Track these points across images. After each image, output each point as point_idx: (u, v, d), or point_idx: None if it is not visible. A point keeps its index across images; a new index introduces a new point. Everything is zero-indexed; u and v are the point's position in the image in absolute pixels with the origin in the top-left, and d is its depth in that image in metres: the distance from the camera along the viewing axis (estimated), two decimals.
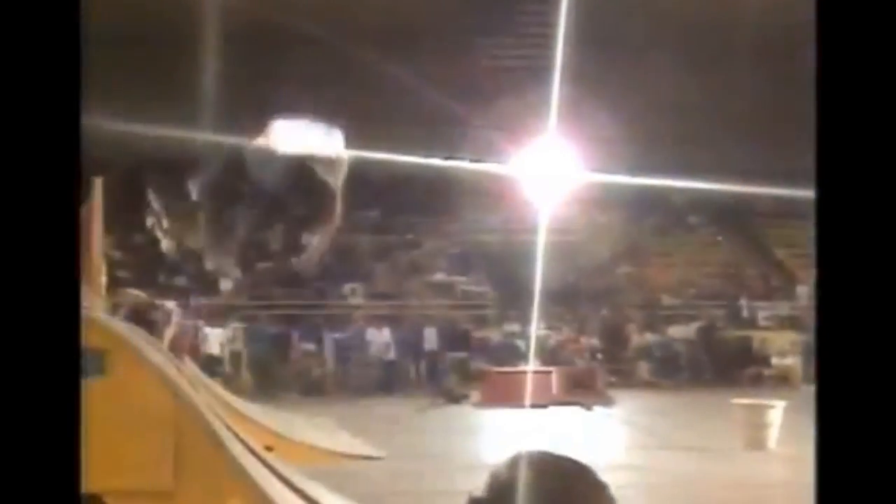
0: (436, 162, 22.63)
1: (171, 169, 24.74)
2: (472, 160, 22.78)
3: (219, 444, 6.61)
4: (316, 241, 7.91)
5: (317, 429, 11.67)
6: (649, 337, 23.15)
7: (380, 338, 21.20)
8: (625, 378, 21.44)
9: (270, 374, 20.02)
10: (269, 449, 8.18)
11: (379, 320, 21.80)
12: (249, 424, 9.41)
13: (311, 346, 21.28)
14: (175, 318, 10.14)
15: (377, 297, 23.92)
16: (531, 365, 18.54)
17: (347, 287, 24.14)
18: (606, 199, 25.05)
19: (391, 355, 20.92)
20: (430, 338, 21.50)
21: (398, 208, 26.71)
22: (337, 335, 21.47)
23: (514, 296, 22.59)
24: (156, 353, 7.57)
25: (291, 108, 22.04)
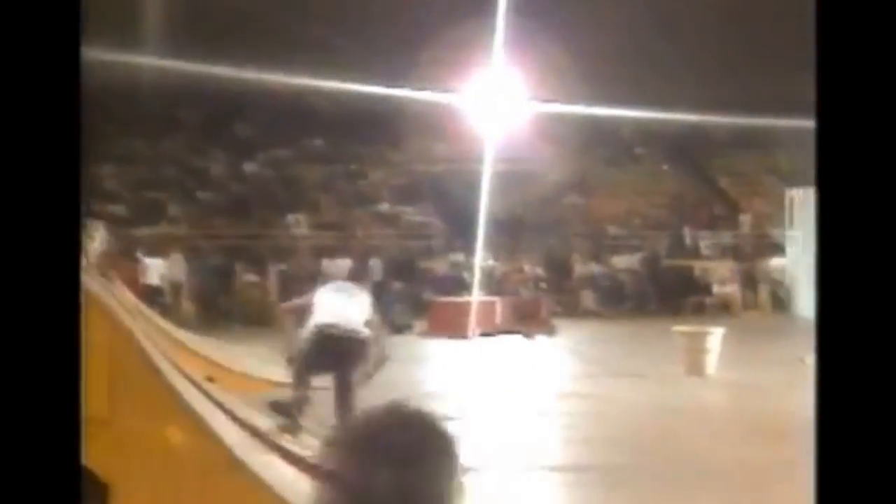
0: (382, 90, 22.27)
1: (113, 95, 24.03)
2: (418, 89, 22.45)
3: (156, 372, 6.46)
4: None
5: (258, 359, 11.56)
6: (594, 267, 23.34)
7: (334, 268, 21.07)
8: (569, 308, 21.62)
9: (212, 305, 19.80)
10: (210, 380, 8.06)
11: (332, 251, 21.65)
12: (189, 355, 9.26)
13: (254, 277, 21.07)
14: (101, 235, 9.84)
15: (322, 228, 23.71)
16: (475, 295, 18.58)
17: (291, 217, 23.87)
18: (554, 129, 24.95)
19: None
20: (375, 268, 21.40)
21: (343, 138, 26.33)
22: (281, 266, 21.27)
23: (459, 226, 22.55)
24: (91, 280, 7.36)
25: (233, 34, 21.45)
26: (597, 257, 23.65)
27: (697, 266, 24.62)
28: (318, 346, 6.83)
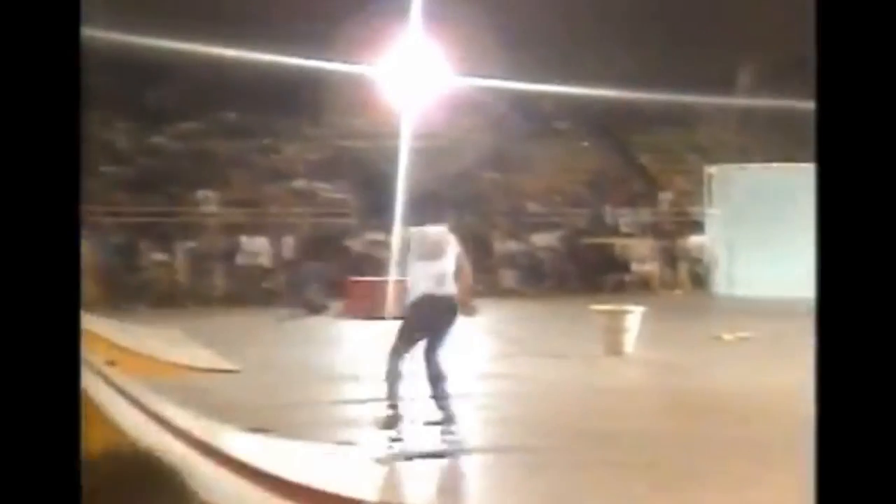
0: (298, 62, 21.83)
1: None
2: (335, 61, 22.10)
3: None
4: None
5: (164, 341, 11.27)
6: (513, 245, 23.43)
7: (251, 247, 20.75)
8: (489, 286, 21.67)
9: (116, 285, 19.27)
10: (111, 364, 7.81)
11: (252, 229, 21.31)
12: (89, 337, 8.96)
13: (161, 256, 20.58)
14: None
15: (233, 205, 23.26)
16: (393, 274, 18.45)
17: (201, 193, 23.34)
18: (473, 103, 24.91)
19: (266, 264, 20.57)
20: (289, 247, 21.11)
21: (257, 111, 25.84)
22: (190, 244, 20.82)
23: (377, 203, 22.37)
24: None
25: (142, 1, 20.82)
26: (516, 235, 23.74)
27: (618, 244, 24.94)
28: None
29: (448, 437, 7.00)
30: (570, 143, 28.41)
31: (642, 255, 24.73)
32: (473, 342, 14.45)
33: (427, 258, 7.34)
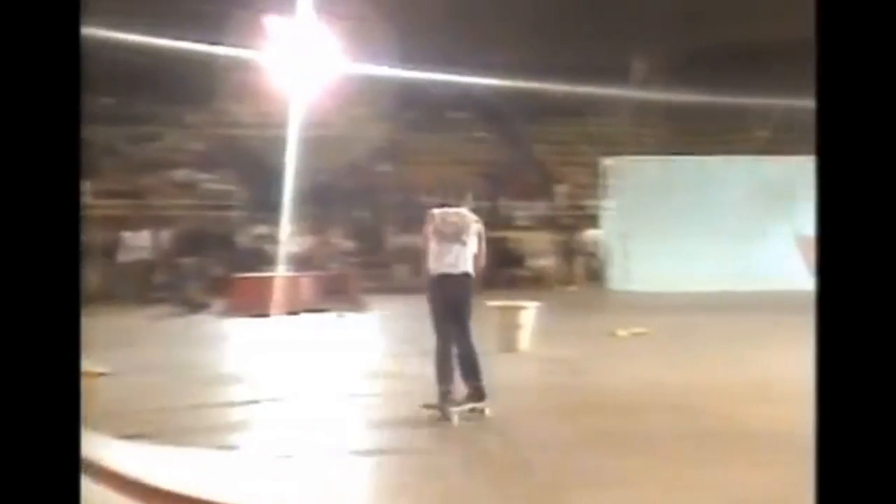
0: (180, 45, 21.33)
1: None
2: (222, 44, 21.69)
3: None
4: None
5: None
6: (407, 239, 23.42)
7: (134, 241, 20.23)
8: (381, 282, 21.65)
9: None
10: None
11: (133, 223, 20.78)
12: None
13: None
14: None
15: (107, 196, 22.63)
16: (280, 270, 18.27)
17: None
18: (365, 92, 24.81)
19: (146, 259, 20.12)
20: (169, 241, 20.67)
21: (136, 96, 25.19)
22: None
23: (264, 196, 22.09)
24: None
25: None
26: (410, 229, 23.75)
27: (513, 237, 25.19)
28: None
29: (476, 415, 7.74)
30: (464, 133, 28.59)
31: (538, 249, 25.05)
32: (363, 340, 14.41)
33: (447, 240, 7.86)
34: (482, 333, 12.26)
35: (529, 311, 12.24)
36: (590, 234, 25.30)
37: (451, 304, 7.91)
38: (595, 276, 24.27)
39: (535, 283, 23.64)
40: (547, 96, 26.60)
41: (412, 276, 22.89)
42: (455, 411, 7.67)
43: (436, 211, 8.04)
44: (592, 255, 24.90)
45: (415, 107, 27.25)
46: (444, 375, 7.79)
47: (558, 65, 25.04)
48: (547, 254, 25.28)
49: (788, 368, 10.68)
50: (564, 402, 8.64)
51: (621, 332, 13.45)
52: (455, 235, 7.86)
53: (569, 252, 25.32)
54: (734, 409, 8.20)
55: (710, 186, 23.60)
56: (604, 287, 23.09)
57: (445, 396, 7.73)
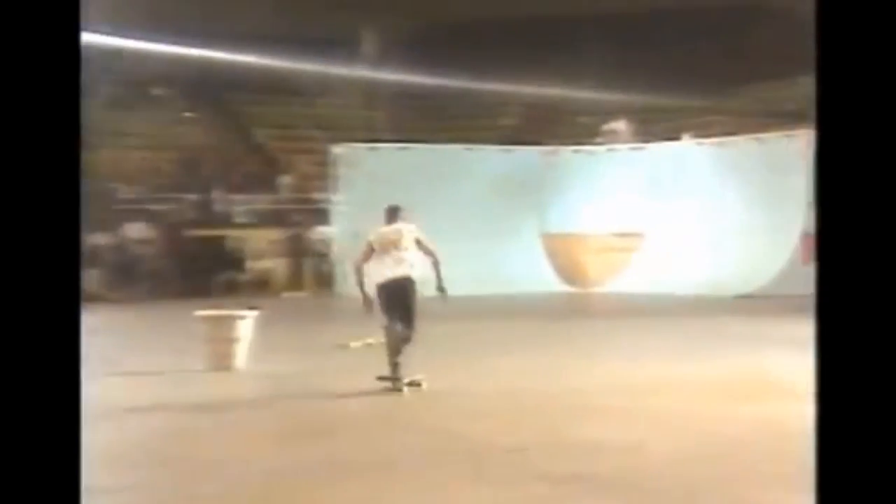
0: None
1: None
2: None
3: None
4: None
5: None
6: (101, 238, 22.57)
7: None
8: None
9: None
10: None
11: None
12: None
13: None
14: None
15: None
16: None
17: None
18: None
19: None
20: None
21: None
22: None
23: None
24: None
25: None
26: (103, 226, 22.82)
27: (230, 236, 24.76)
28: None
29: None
30: (169, 113, 27.69)
31: (260, 249, 24.75)
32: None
33: (385, 252, 10.61)
34: (190, 348, 11.85)
35: (246, 322, 11.90)
36: (319, 231, 25.21)
37: (396, 302, 10.76)
38: (326, 280, 24.17)
39: (259, 289, 23.28)
40: (269, 72, 26.26)
41: (107, 284, 21.95)
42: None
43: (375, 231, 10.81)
44: (323, 256, 24.82)
45: (108, 81, 26.07)
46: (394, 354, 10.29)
47: (282, 36, 24.78)
48: (271, 255, 24.99)
49: (528, 379, 10.99)
50: (277, 429, 8.45)
51: (354, 344, 13.38)
52: (392, 247, 10.58)
53: (296, 253, 25.13)
54: (462, 425, 8.33)
55: (452, 178, 24.08)
56: (336, 292, 23.00)
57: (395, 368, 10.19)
